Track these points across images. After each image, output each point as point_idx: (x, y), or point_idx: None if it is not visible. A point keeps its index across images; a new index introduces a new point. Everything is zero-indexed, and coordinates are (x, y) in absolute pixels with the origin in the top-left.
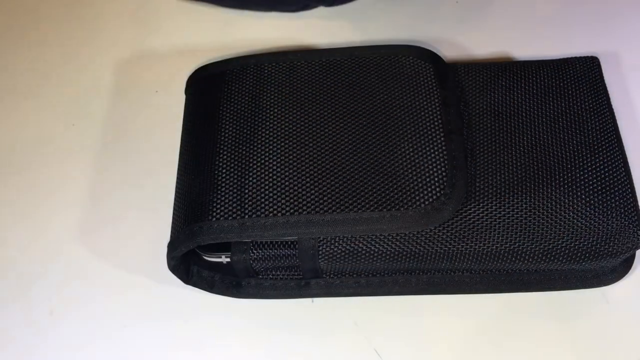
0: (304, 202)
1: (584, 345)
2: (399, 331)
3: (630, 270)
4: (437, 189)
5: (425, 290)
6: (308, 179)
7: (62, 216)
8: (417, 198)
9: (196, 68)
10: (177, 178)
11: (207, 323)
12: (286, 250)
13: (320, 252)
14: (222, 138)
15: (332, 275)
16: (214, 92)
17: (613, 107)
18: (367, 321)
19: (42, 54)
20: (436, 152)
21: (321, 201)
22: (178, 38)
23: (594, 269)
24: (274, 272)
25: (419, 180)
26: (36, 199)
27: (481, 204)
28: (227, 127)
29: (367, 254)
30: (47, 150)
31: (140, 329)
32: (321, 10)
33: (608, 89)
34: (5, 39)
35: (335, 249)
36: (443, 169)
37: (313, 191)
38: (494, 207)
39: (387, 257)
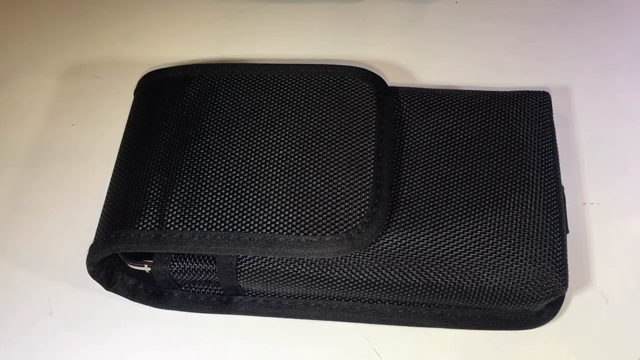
0: (223, 219)
1: (584, 345)
2: (398, 331)
3: (559, 313)
4: (356, 217)
5: (346, 318)
6: (231, 196)
7: (63, 215)
8: (336, 224)
9: (145, 73)
10: (110, 183)
11: (204, 318)
12: (206, 265)
13: (239, 271)
14: (154, 148)
15: (254, 294)
16: (156, 99)
17: (558, 143)
18: None
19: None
20: (362, 180)
21: (241, 219)
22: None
23: (518, 312)
24: (196, 286)
25: (341, 206)
26: (36, 199)
27: (399, 234)
28: (161, 136)
29: (285, 277)
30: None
31: (139, 330)
32: (269, 23)
33: (565, 122)
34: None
35: (253, 269)
36: (366, 197)
37: (234, 209)
38: (410, 237)
39: (306, 281)
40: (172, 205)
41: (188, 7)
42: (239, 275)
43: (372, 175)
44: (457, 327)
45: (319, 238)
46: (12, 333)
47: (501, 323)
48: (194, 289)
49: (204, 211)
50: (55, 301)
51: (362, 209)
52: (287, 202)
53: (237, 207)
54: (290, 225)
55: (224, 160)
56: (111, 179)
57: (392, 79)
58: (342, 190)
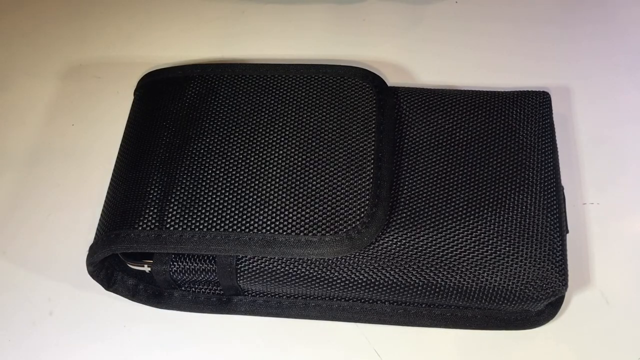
0: (223, 219)
1: (584, 345)
2: (398, 331)
3: (558, 313)
4: (356, 217)
5: (346, 318)
6: (231, 196)
7: (64, 215)
8: (336, 224)
9: (145, 72)
10: (110, 183)
11: (204, 318)
12: (206, 265)
13: (239, 271)
14: (154, 148)
15: (254, 294)
16: (156, 99)
17: (558, 143)
18: None
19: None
20: (362, 180)
21: (240, 219)
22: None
23: (518, 312)
24: (196, 286)
25: (340, 206)
26: (36, 199)
27: (399, 234)
28: (161, 136)
29: (285, 277)
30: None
31: (139, 330)
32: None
33: (565, 122)
34: None
35: (253, 269)
36: (366, 197)
37: (233, 209)
38: (410, 237)
39: (306, 281)
40: (172, 205)
41: (188, 7)
42: (238, 275)
43: (372, 176)
44: (457, 327)
45: (318, 238)
46: (12, 333)
47: (501, 323)
48: (194, 289)
49: (203, 211)
50: (55, 301)
51: (362, 209)
52: (287, 202)
53: (237, 207)
54: (290, 225)
55: (224, 160)
56: (111, 179)
57: (392, 79)
58: (342, 191)
